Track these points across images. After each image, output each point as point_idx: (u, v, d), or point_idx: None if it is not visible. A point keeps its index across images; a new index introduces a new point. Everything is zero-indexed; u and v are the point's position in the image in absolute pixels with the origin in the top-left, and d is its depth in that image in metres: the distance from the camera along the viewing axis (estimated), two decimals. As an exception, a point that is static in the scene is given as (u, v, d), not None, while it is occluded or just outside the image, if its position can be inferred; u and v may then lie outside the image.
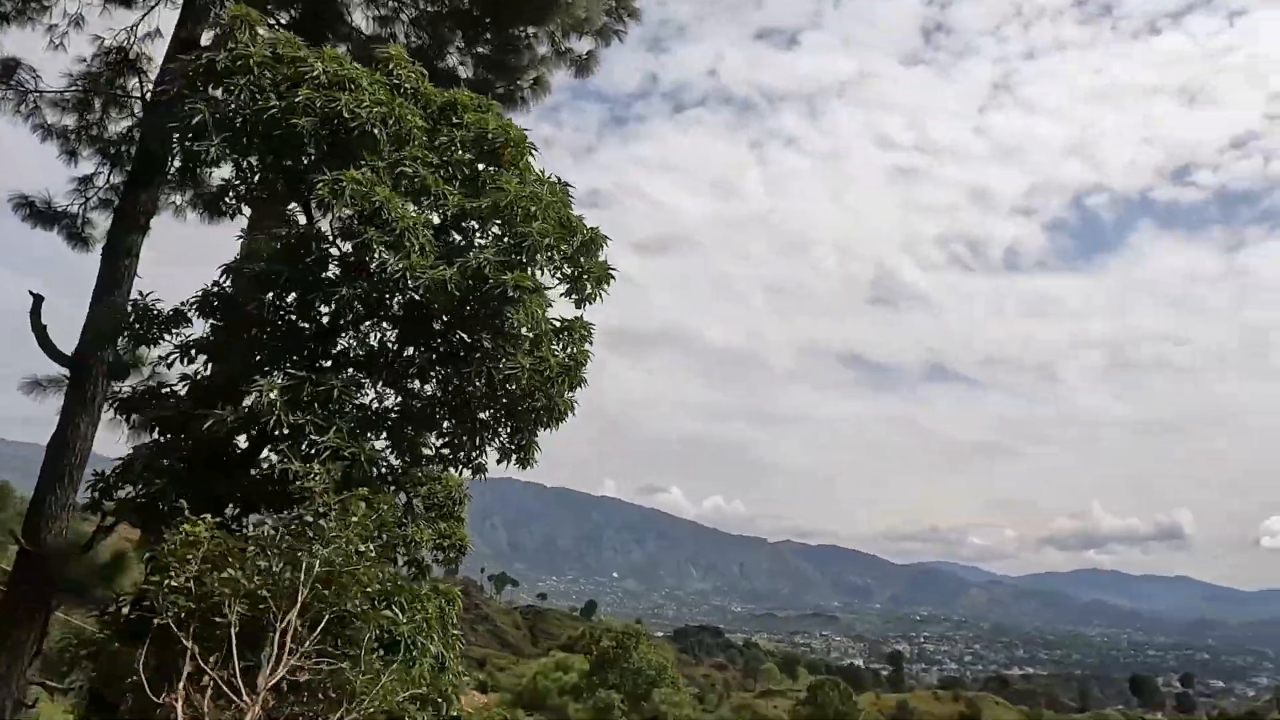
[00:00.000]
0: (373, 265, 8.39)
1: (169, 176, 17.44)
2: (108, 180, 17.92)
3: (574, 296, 9.60)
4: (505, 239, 8.86)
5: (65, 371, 15.42)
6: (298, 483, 7.23)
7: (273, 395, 7.89)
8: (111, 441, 17.20)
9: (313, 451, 7.89)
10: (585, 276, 9.42)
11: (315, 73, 8.77)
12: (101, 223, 18.00)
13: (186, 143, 8.66)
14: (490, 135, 9.68)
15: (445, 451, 10.09)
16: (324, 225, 9.45)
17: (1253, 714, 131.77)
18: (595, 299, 9.57)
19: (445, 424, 10.02)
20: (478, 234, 9.19)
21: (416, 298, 8.78)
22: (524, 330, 8.86)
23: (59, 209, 17.90)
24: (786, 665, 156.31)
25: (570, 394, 9.35)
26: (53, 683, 17.08)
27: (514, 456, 9.52)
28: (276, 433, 8.05)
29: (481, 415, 9.45)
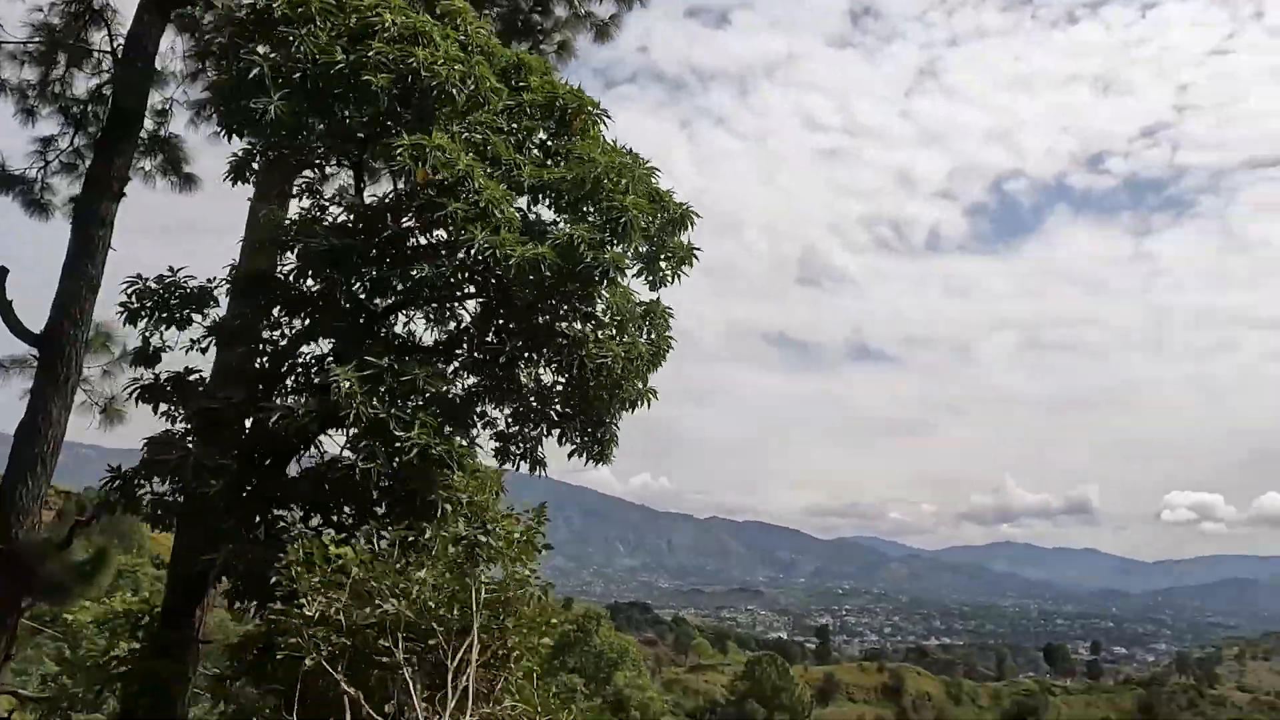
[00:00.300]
0: (456, 241, 7.52)
1: (141, 140, 16.15)
2: (71, 142, 16.47)
3: (648, 277, 8.90)
4: (595, 213, 8.08)
5: (33, 351, 14.20)
6: (457, 492, 6.37)
7: (352, 386, 7.01)
8: (82, 428, 15.87)
9: (396, 448, 7.05)
10: (667, 257, 8.70)
11: (385, 24, 7.82)
12: (64, 188, 16.63)
13: (243, 99, 7.61)
14: (561, 100, 8.88)
15: (494, 443, 9.30)
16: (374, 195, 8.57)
17: (1155, 679, 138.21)
18: (673, 281, 8.87)
19: (497, 413, 9.26)
20: (558, 207, 8.37)
21: (481, 277, 7.98)
22: (610, 314, 8.13)
23: (15, 173, 16.42)
24: (717, 640, 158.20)
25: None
26: (25, 691, 15.82)
27: (592, 450, 8.72)
28: (351, 427, 7.15)
29: (556, 405, 8.66)
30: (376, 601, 5.00)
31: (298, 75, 7.63)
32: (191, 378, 8.74)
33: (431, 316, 9.38)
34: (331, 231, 8.10)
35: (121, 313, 8.75)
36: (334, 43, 7.70)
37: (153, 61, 15.26)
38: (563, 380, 8.47)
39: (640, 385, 8.45)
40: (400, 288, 7.98)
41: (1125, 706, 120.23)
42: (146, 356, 8.74)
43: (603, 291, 8.00)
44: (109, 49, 15.53)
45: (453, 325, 9.36)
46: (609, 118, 9.05)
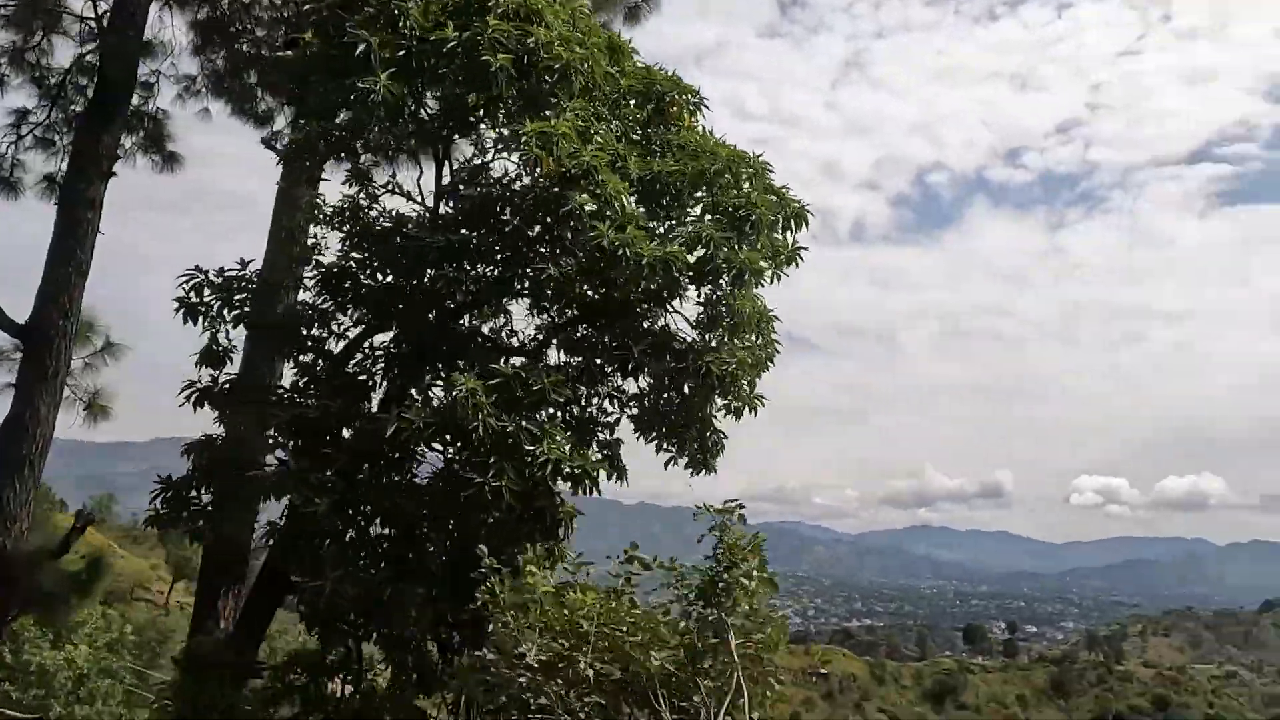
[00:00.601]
0: (581, 238, 6.90)
1: (130, 116, 15.07)
2: (48, 116, 15.22)
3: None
4: (719, 210, 7.58)
5: (17, 342, 13.15)
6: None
7: (479, 395, 6.37)
8: (64, 425, 14.75)
9: (526, 464, 6.46)
10: (772, 256, 8.22)
11: (499, -1, 7.13)
12: (37, 165, 15.40)
13: (346, 77, 6.87)
14: (658, 87, 8.31)
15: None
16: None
17: (1066, 657, 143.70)
18: (773, 281, 8.39)
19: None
20: (656, 201, 7.81)
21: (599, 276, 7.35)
22: (727, 316, 7.63)
23: (-18, 147, 15.12)
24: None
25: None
26: (12, 712, 14.67)
27: (696, 458, 8.19)
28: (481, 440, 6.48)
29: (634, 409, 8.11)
30: (630, 651, 4.41)
31: (402, 53, 6.94)
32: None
33: (478, 314, 8.77)
34: (448, 224, 7.38)
35: (178, 309, 7.92)
36: (443, 17, 7.01)
37: (142, 32, 14.22)
38: (662, 384, 7.91)
39: (749, 391, 7.99)
40: (519, 287, 7.35)
41: (1039, 683, 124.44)
42: (215, 357, 7.93)
43: (736, 295, 7.48)
44: (92, 15, 14.35)
45: (500, 321, 8.77)
46: (707, 106, 8.53)
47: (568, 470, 6.61)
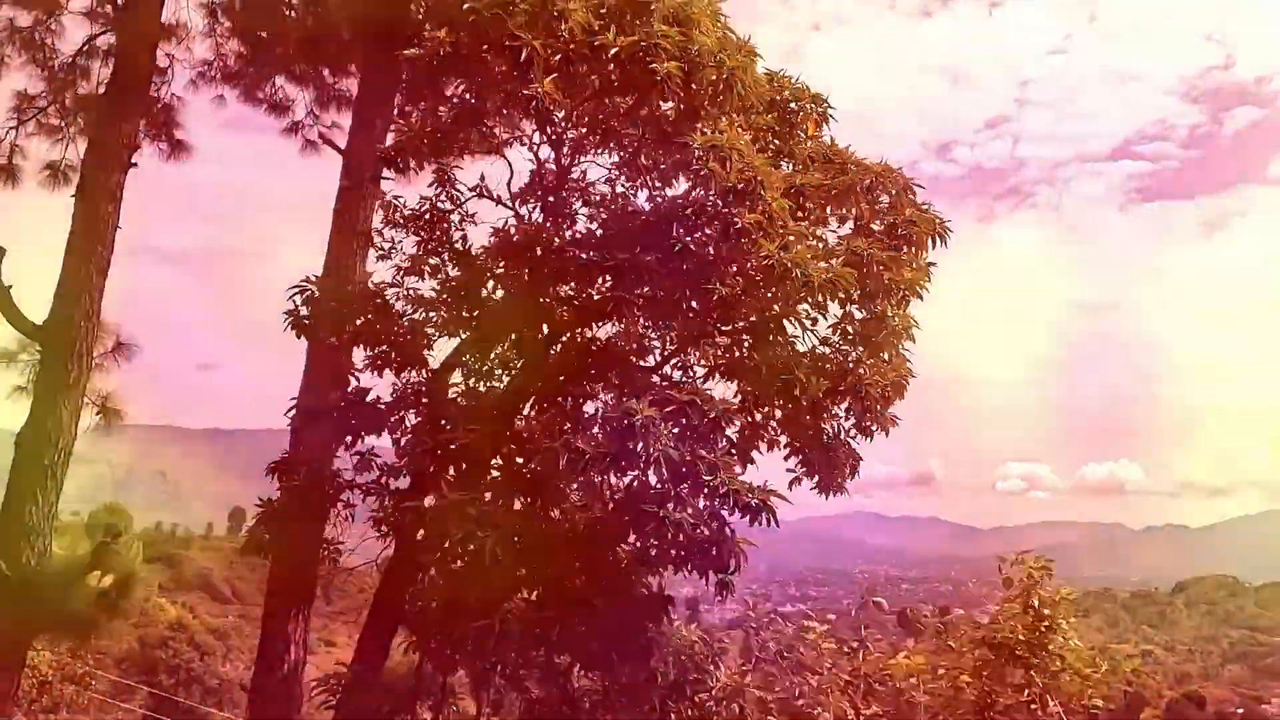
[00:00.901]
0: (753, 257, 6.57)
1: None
2: (55, 100, 14.28)
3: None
4: (871, 227, 7.34)
5: (34, 345, 12.39)
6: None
7: (657, 423, 6.02)
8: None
9: (705, 493, 6.16)
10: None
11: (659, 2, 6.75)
12: (41, 153, 14.46)
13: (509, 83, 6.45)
14: (787, 94, 8.01)
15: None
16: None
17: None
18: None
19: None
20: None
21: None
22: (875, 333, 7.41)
23: (-19, 134, 14.13)
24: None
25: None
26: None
27: (828, 477, 7.95)
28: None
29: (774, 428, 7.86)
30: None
31: (559, 56, 6.52)
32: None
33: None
34: (608, 238, 7.00)
35: (288, 323, 7.40)
36: (599, 22, 6.61)
37: (159, 13, 13.46)
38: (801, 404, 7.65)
39: (884, 411, 7.77)
40: (689, 307, 6.99)
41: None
42: (344, 380, 7.42)
43: (897, 314, 7.28)
44: (108, -8, 13.47)
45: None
46: (834, 116, 8.27)
47: (752, 502, 6.32)
